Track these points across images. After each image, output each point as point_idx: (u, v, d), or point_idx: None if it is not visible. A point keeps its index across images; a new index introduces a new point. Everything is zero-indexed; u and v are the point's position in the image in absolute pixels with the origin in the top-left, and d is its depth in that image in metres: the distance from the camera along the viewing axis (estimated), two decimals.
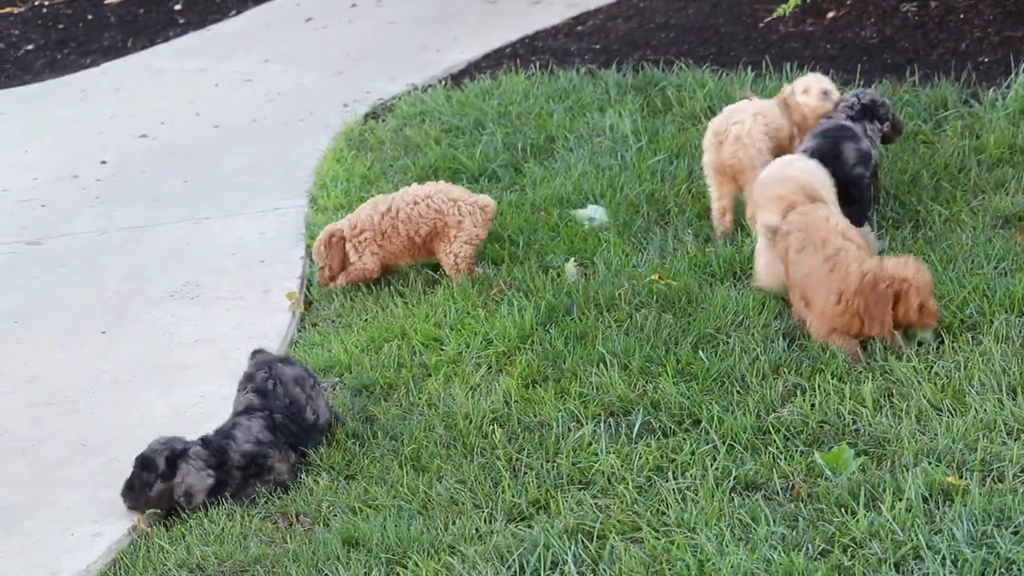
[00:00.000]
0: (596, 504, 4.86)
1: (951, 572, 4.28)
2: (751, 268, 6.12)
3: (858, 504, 4.61)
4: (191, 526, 5.11)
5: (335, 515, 5.04)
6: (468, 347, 5.95)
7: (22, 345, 6.57)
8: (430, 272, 6.71)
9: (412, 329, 6.14)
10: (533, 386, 5.61)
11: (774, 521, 4.61)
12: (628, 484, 4.91)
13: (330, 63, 9.97)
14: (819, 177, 6.00)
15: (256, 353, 5.66)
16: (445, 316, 6.20)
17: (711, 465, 4.94)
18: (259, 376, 5.51)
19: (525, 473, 5.09)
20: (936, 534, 4.44)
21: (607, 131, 7.85)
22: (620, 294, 6.12)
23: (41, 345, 6.54)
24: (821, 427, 5.10)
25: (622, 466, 5.01)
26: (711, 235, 6.62)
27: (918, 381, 5.24)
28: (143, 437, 5.30)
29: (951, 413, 5.05)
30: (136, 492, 5.20)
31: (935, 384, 5.21)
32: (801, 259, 5.60)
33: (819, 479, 4.81)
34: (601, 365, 5.62)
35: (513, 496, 4.97)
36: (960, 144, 7.12)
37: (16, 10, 12.13)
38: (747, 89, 7.85)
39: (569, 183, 7.27)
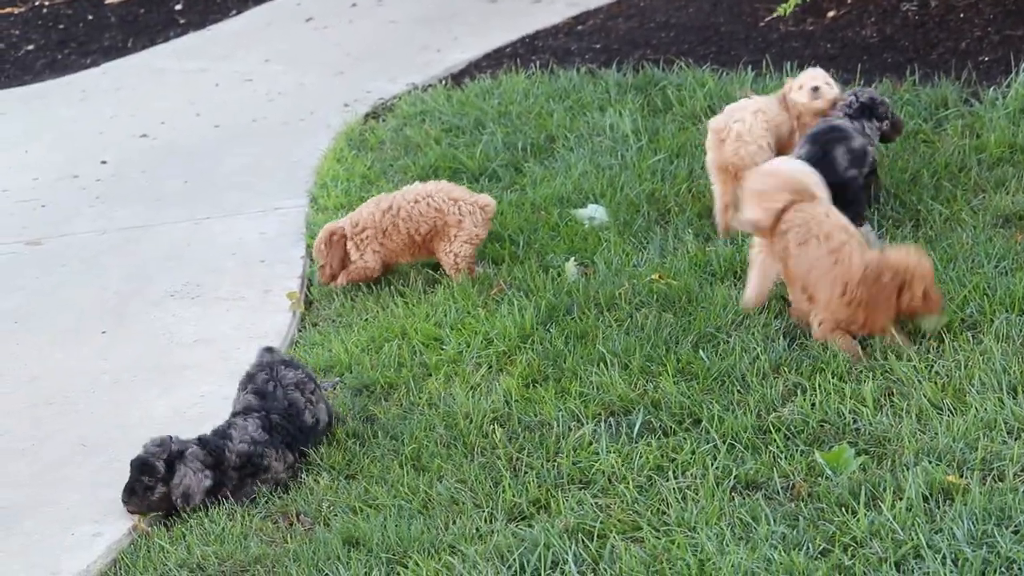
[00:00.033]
0: (596, 503, 4.85)
1: (952, 571, 4.28)
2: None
3: (858, 503, 4.60)
4: (191, 526, 5.11)
5: (335, 515, 5.04)
6: (468, 347, 5.94)
7: (22, 345, 6.56)
8: (430, 272, 6.71)
9: (412, 329, 6.13)
10: (533, 385, 5.61)
11: (775, 520, 4.61)
12: (628, 483, 4.91)
13: (331, 63, 9.97)
14: (808, 173, 5.95)
15: (267, 351, 5.66)
16: (445, 316, 6.20)
17: (711, 464, 4.94)
18: (260, 377, 5.51)
19: (525, 472, 5.09)
20: (936, 533, 4.44)
21: (607, 130, 7.85)
22: (620, 293, 6.12)
23: (41, 345, 6.54)
24: (821, 426, 5.10)
25: (622, 465, 5.01)
26: (712, 234, 6.62)
27: (918, 380, 5.24)
28: (143, 437, 5.29)
29: (951, 412, 5.05)
30: (139, 496, 5.20)
31: (935, 383, 5.21)
32: (803, 253, 5.60)
33: (819, 478, 4.81)
34: (601, 364, 5.61)
35: (513, 496, 4.96)
36: (960, 143, 7.12)
37: (16, 10, 12.12)
38: (747, 88, 7.85)
39: (569, 182, 7.26)
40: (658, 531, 4.66)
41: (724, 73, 8.39)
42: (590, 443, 5.18)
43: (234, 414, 5.44)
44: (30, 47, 11.22)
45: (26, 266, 7.36)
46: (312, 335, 6.36)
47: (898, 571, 4.34)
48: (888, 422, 5.04)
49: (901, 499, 4.60)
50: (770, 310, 5.83)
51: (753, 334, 5.66)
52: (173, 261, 7.24)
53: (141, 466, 5.18)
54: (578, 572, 4.55)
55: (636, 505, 4.81)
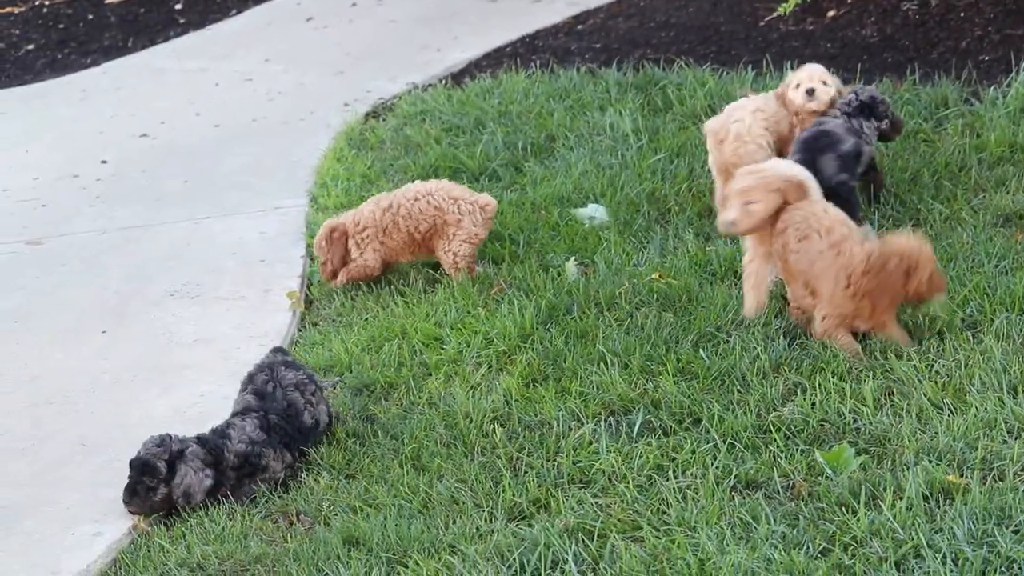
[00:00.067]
0: (597, 503, 4.85)
1: (952, 571, 4.28)
2: None
3: (859, 503, 4.60)
4: (191, 525, 5.11)
5: (335, 514, 5.04)
6: (468, 346, 5.94)
7: (22, 345, 6.56)
8: (430, 271, 6.71)
9: (412, 328, 6.13)
10: (533, 385, 5.61)
11: (775, 520, 4.60)
12: (629, 483, 4.91)
13: (331, 62, 9.97)
14: (793, 172, 5.91)
15: (275, 352, 5.66)
16: (445, 315, 6.20)
17: (712, 464, 4.94)
18: (260, 378, 5.51)
19: (525, 472, 5.09)
20: (937, 533, 4.43)
21: (607, 130, 7.84)
22: (620, 293, 6.12)
23: (41, 345, 6.54)
24: (822, 426, 5.10)
25: (622, 465, 5.01)
26: (712, 234, 6.61)
27: (919, 380, 5.23)
28: (143, 437, 5.29)
29: (952, 412, 5.05)
30: (141, 498, 5.19)
31: (936, 383, 5.20)
32: (804, 248, 5.59)
33: (820, 478, 4.81)
34: (602, 364, 5.61)
35: (513, 495, 4.96)
36: (961, 142, 7.12)
37: (16, 10, 12.13)
38: (747, 88, 7.84)
39: (569, 182, 7.26)
40: (658, 531, 4.66)
41: (724, 72, 8.39)
42: (590, 443, 5.18)
43: (233, 414, 5.44)
44: (30, 47, 11.22)
45: (26, 266, 7.36)
46: (312, 335, 6.36)
47: (898, 570, 4.34)
48: (888, 421, 5.04)
49: (901, 498, 4.60)
50: (770, 309, 5.83)
51: (753, 334, 5.66)
52: (173, 261, 7.24)
53: (142, 467, 5.17)
54: (578, 572, 4.55)
55: (636, 505, 4.81)
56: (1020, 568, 4.26)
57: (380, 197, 6.74)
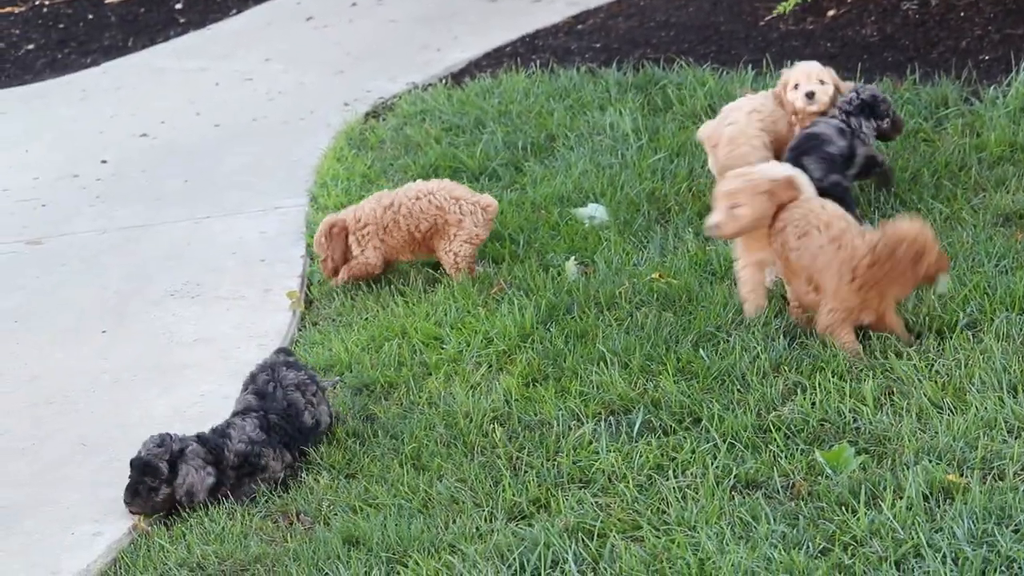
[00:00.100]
0: (596, 503, 4.85)
1: (952, 570, 4.28)
2: None
3: (859, 502, 4.60)
4: (191, 525, 5.11)
5: (335, 514, 5.04)
6: (468, 346, 5.94)
7: (22, 345, 6.56)
8: (431, 271, 6.71)
9: (412, 328, 6.13)
10: (533, 385, 5.61)
11: (775, 519, 4.60)
12: (628, 483, 4.91)
13: (331, 62, 9.97)
14: (782, 173, 5.90)
15: (280, 352, 5.66)
16: (445, 315, 6.20)
17: (712, 463, 4.94)
18: (260, 378, 5.52)
19: (525, 472, 5.09)
20: (937, 532, 4.43)
21: (607, 129, 7.84)
22: (620, 292, 6.12)
23: (41, 345, 6.54)
24: (822, 425, 5.10)
25: (623, 464, 5.01)
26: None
27: (919, 379, 5.23)
28: (143, 437, 5.29)
29: (952, 411, 5.05)
30: (143, 498, 5.19)
31: (936, 382, 5.20)
32: (805, 244, 5.57)
33: (820, 477, 4.80)
34: (601, 363, 5.61)
35: (513, 495, 4.96)
36: (961, 142, 7.12)
37: (16, 10, 12.12)
38: (747, 87, 7.84)
39: (569, 182, 7.26)
40: (658, 530, 4.66)
41: (724, 72, 8.39)
42: (590, 442, 5.18)
43: (234, 414, 5.44)
44: (30, 46, 11.22)
45: (26, 266, 7.36)
46: (312, 334, 6.36)
47: (898, 570, 4.34)
48: (888, 421, 5.04)
49: (901, 498, 4.59)
50: (770, 309, 5.82)
51: (753, 333, 5.66)
52: (173, 260, 7.24)
53: (144, 467, 5.17)
54: (578, 571, 4.55)
55: (636, 504, 4.81)
56: (1020, 568, 4.26)
57: (381, 195, 6.74)
